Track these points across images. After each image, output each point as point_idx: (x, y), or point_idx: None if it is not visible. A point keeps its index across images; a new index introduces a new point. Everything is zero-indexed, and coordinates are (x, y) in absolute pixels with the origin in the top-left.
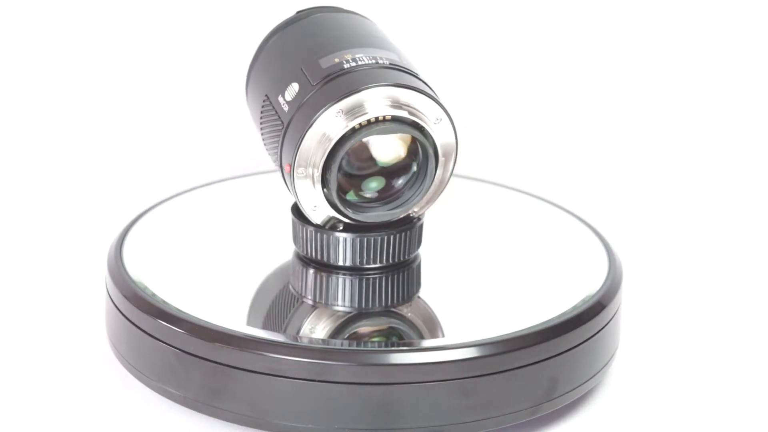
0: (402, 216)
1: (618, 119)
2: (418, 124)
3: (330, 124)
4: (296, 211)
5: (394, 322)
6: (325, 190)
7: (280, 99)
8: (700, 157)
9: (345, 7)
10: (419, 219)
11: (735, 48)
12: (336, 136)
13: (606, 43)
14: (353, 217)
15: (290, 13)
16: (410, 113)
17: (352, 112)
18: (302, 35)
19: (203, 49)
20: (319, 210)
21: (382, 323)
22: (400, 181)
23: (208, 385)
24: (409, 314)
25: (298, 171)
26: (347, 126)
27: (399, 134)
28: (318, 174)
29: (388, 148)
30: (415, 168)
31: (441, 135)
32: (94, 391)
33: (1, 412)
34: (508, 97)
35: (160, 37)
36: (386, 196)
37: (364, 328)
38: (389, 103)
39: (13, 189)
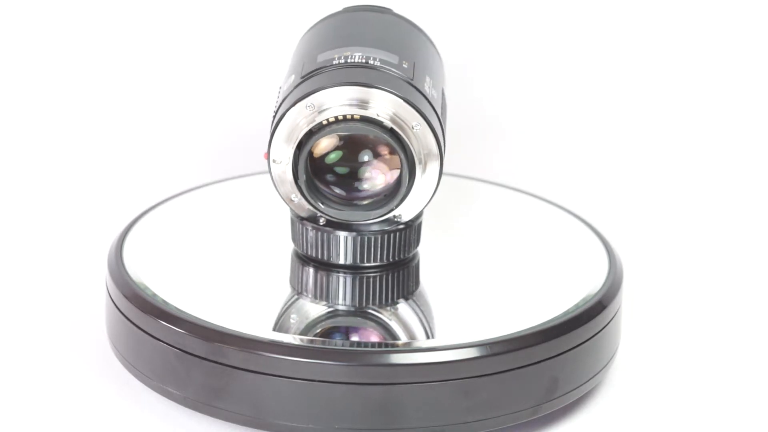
0: (380, 218)
1: (618, 119)
2: (387, 126)
3: (300, 118)
4: None
5: (371, 324)
6: (298, 183)
7: (281, 90)
8: (700, 157)
9: (395, 10)
10: (406, 225)
11: (735, 48)
12: (303, 130)
13: (605, 44)
14: (325, 212)
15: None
16: (381, 114)
17: (323, 107)
18: (326, 30)
19: (204, 49)
20: (297, 202)
21: (361, 323)
22: (365, 185)
23: (208, 385)
24: (393, 316)
25: (273, 162)
26: (314, 121)
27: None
28: (289, 166)
29: (326, 147)
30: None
31: (419, 140)
32: (94, 391)
33: (1, 412)
34: (509, 97)
35: (160, 37)
36: (353, 197)
37: (338, 325)
38: (361, 103)
39: (13, 189)
